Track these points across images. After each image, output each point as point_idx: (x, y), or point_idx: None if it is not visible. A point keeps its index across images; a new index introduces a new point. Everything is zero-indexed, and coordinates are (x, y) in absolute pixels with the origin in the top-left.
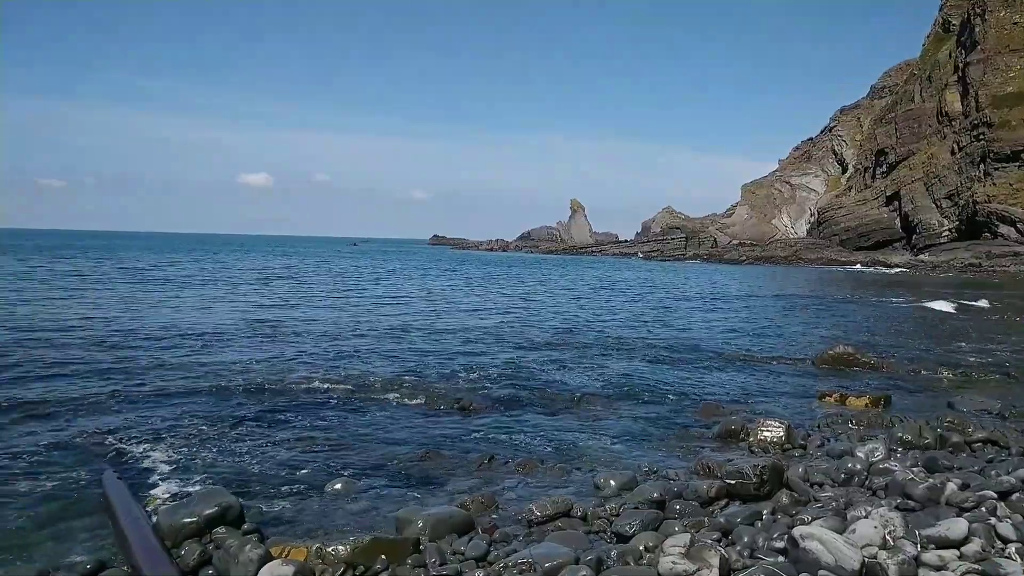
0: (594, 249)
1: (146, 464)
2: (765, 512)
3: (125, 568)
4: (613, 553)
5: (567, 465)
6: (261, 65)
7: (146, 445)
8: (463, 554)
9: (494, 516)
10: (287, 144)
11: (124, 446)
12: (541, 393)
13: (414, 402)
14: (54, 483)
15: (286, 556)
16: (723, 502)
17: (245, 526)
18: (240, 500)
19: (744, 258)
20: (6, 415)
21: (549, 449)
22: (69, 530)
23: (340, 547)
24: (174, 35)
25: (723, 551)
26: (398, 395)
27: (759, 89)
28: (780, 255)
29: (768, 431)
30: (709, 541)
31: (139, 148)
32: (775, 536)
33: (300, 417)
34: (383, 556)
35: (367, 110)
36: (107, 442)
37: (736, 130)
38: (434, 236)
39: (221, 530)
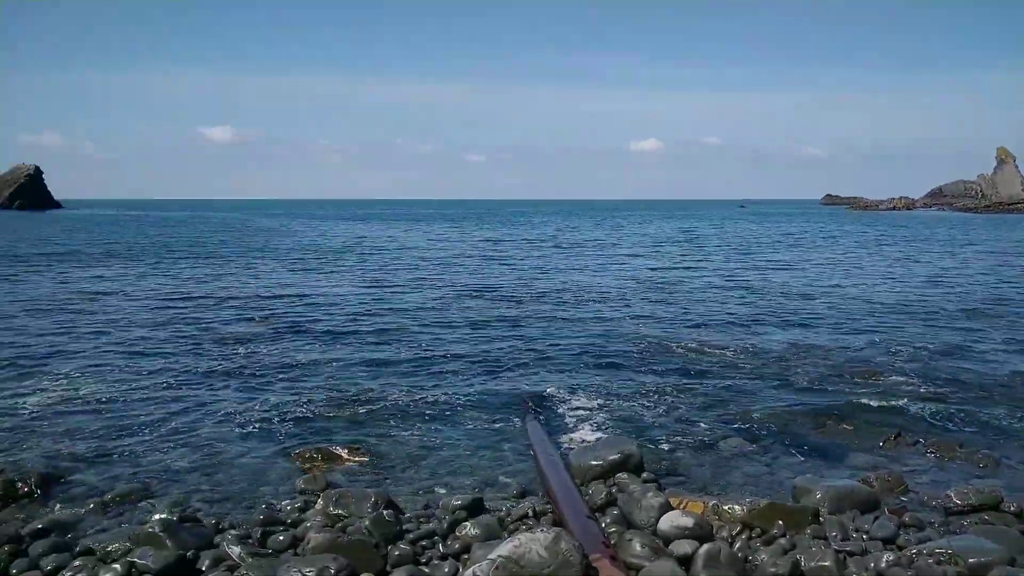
0: None
1: (561, 410)
2: None
3: (542, 496)
4: None
5: (994, 453)
6: (649, 31)
7: (563, 394)
8: (868, 533)
9: (903, 498)
10: (676, 109)
11: (546, 393)
12: (985, 376)
13: (825, 369)
14: (491, 422)
15: (684, 507)
16: None
17: (644, 474)
18: (640, 449)
19: None
20: (461, 362)
21: (971, 433)
22: (501, 458)
23: (736, 507)
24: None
25: None
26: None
27: None
28: None
29: None
30: None
31: (535, 121)
32: None
33: (701, 376)
34: (780, 522)
35: (752, 67)
36: (531, 390)
37: None
38: (826, 196)
39: (623, 475)
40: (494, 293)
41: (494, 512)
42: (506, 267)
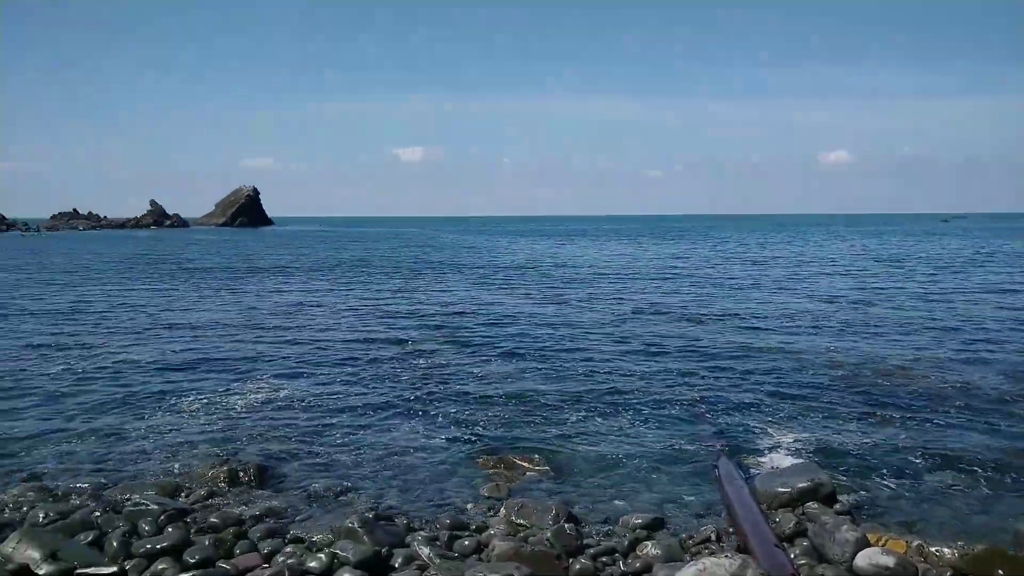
0: None
1: (745, 433)
2: None
3: (726, 520)
4: None
5: None
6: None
7: (747, 416)
8: None
9: None
10: (866, 119)
11: (728, 414)
12: None
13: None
14: (670, 439)
15: (884, 545)
16: None
17: (837, 505)
18: (832, 478)
19: None
20: (640, 379)
21: None
22: (681, 476)
23: (946, 549)
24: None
25: None
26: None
27: None
28: None
29: None
30: None
31: (714, 134)
32: None
33: (903, 404)
34: (1000, 571)
35: (961, 68)
36: (713, 409)
37: None
38: None
39: (814, 505)
40: (672, 311)
41: (675, 532)
42: (684, 284)
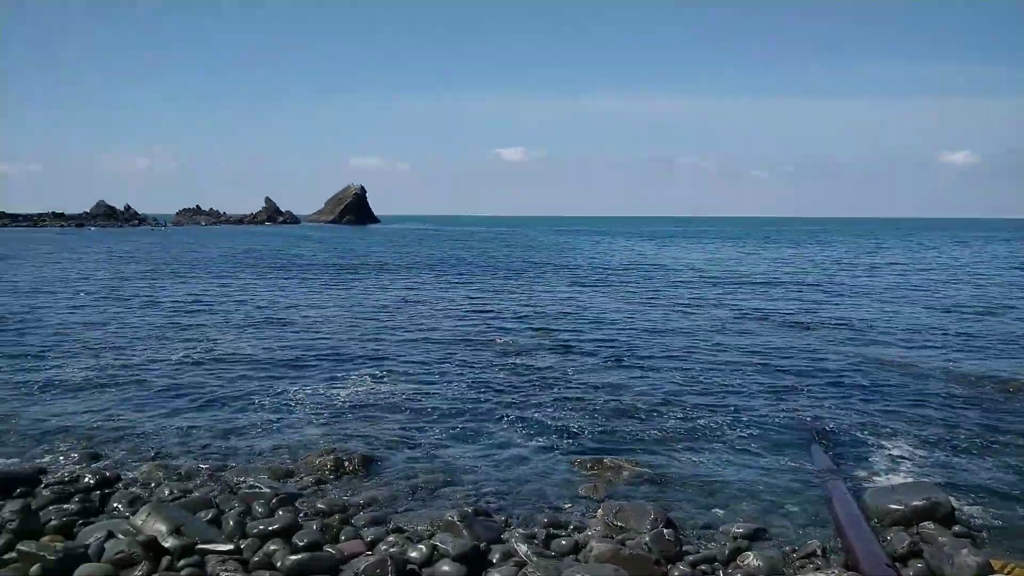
0: None
1: (854, 445)
2: None
3: (833, 534)
4: None
5: None
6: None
7: (856, 427)
8: None
9: None
10: (991, 117)
11: (836, 425)
12: None
13: None
14: (774, 447)
15: (1010, 573)
16: None
17: (956, 527)
18: (950, 497)
19: None
20: (743, 385)
21: None
22: (785, 487)
23: None
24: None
25: None
26: None
27: None
28: None
29: None
30: None
31: (822, 134)
32: None
33: (1020, 422)
34: None
35: None
36: (820, 418)
37: None
38: None
39: (929, 525)
40: (779, 318)
41: (778, 544)
42: (791, 290)
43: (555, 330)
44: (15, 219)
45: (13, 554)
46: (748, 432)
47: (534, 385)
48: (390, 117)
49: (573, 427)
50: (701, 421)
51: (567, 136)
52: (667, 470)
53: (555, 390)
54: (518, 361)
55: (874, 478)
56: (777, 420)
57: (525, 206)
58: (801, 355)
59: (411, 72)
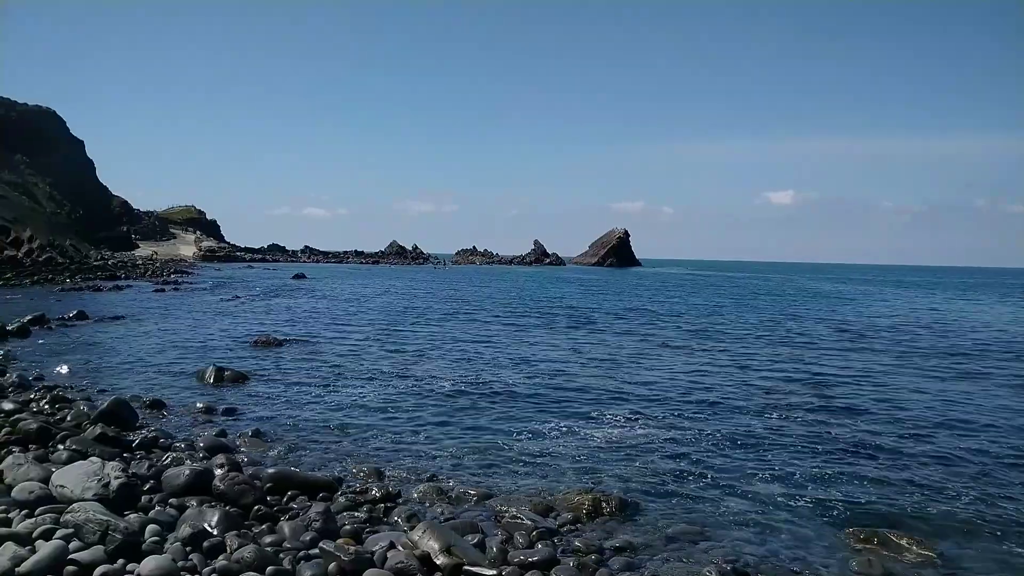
0: None
1: None
2: None
3: None
4: None
5: None
6: None
7: None
8: None
9: None
10: None
11: None
12: None
13: None
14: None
15: None
16: None
17: None
18: None
19: None
20: None
21: None
22: None
23: None
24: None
25: None
26: None
27: None
28: None
29: None
30: None
31: None
32: None
33: None
34: None
35: None
36: None
37: None
38: None
39: None
40: None
41: None
42: None
43: (829, 387)
44: (326, 255)
45: (315, 551)
46: None
47: (800, 440)
48: (655, 163)
49: (846, 492)
50: (1004, 498)
51: (842, 178)
52: (959, 560)
53: (825, 449)
54: (784, 414)
55: None
56: None
57: (796, 252)
58: None
59: (686, 122)
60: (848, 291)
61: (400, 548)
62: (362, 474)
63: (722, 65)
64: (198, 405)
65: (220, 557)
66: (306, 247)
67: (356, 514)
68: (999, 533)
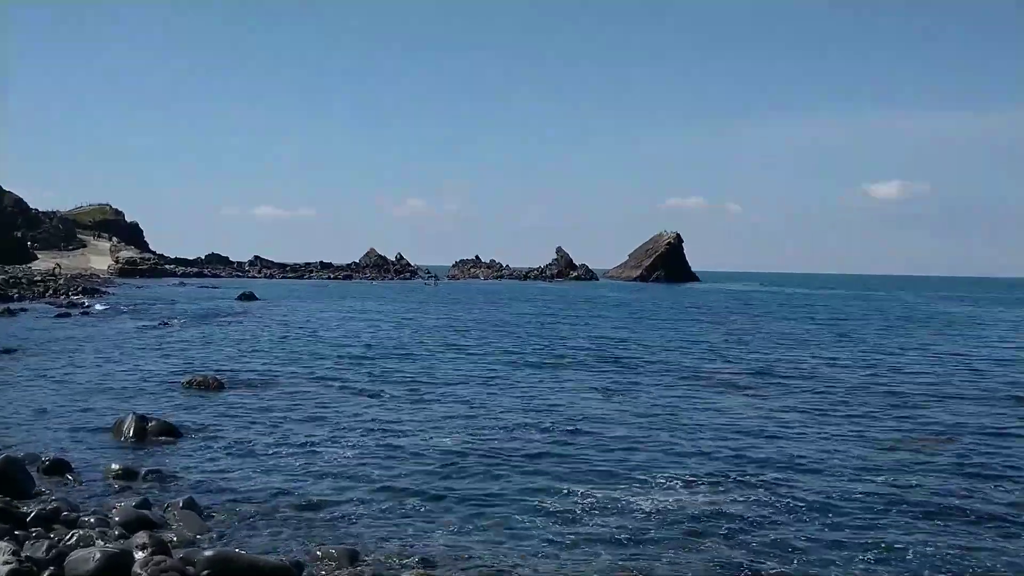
0: None
1: None
2: None
3: None
4: None
5: None
6: None
7: None
8: None
9: None
10: None
11: None
12: None
13: None
14: None
15: None
16: None
17: None
18: None
19: None
20: None
21: None
22: None
23: None
24: None
25: None
26: None
27: None
28: None
29: None
30: None
31: None
32: None
33: None
34: None
35: None
36: None
37: None
38: None
39: None
40: None
41: None
42: None
43: (963, 442)
44: (283, 268)
45: None
46: None
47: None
48: (715, 147)
49: None
50: None
51: (964, 166)
52: None
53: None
54: (892, 478)
55: None
56: None
57: (904, 261)
58: None
59: (755, 92)
60: (983, 315)
61: None
62: (329, 558)
63: (802, 12)
64: (113, 467)
65: None
66: (256, 257)
67: None
68: None
